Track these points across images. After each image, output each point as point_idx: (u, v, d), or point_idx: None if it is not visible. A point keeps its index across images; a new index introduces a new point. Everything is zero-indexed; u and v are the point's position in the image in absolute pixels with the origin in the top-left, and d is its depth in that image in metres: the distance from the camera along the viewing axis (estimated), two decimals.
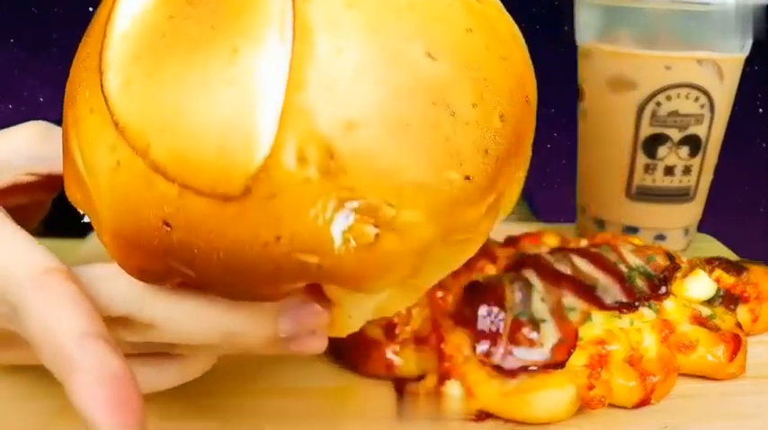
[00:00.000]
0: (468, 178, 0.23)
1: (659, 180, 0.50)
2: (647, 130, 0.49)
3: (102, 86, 0.23)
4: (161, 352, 0.28)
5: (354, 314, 0.28)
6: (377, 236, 0.22)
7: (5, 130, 0.33)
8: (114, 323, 0.25)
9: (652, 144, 0.49)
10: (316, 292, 0.26)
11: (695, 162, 0.50)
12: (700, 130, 0.49)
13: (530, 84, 0.26)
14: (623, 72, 0.48)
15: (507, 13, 0.27)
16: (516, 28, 0.27)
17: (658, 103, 0.48)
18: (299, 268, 0.22)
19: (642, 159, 0.50)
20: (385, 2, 0.23)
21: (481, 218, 0.25)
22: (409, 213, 0.22)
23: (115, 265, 0.25)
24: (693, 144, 0.50)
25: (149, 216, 0.23)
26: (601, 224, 0.53)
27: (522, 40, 0.27)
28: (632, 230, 0.52)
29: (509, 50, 0.25)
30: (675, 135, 0.49)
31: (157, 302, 0.25)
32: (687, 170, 0.50)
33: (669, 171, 0.50)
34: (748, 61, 0.49)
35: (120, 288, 0.25)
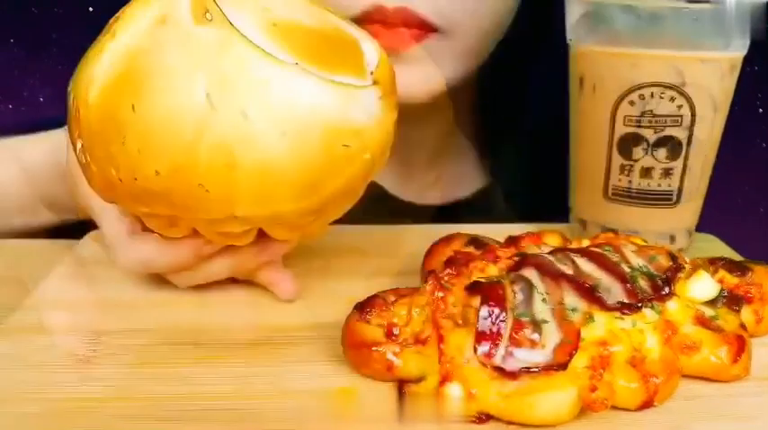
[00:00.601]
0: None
1: (658, 180, 0.50)
2: (646, 131, 0.49)
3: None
4: None
5: None
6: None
7: None
8: None
9: (653, 144, 0.49)
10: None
11: (695, 162, 0.50)
12: (700, 130, 0.49)
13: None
14: (621, 71, 0.48)
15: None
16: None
17: (657, 103, 0.48)
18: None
19: (641, 160, 0.49)
20: None
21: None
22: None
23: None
24: (693, 144, 0.49)
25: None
26: (599, 226, 0.53)
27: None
28: (631, 233, 0.51)
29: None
30: (676, 134, 0.49)
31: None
32: (686, 170, 0.50)
33: (668, 172, 0.50)
34: (748, 61, 0.49)
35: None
